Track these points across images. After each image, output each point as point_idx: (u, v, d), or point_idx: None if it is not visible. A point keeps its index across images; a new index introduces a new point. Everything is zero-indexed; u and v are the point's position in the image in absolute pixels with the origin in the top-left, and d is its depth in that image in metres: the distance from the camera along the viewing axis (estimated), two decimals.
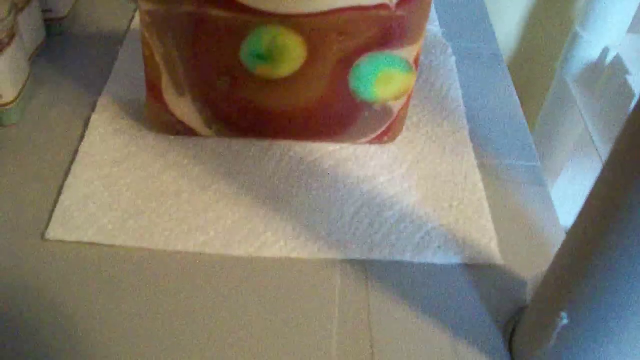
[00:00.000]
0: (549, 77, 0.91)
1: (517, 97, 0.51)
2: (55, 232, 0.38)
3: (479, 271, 0.38)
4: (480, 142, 0.46)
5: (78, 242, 0.38)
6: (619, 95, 0.73)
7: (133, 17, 0.55)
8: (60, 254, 0.37)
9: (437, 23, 0.57)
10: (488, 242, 0.39)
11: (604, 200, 0.28)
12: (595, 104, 0.77)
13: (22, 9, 0.45)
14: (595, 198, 0.29)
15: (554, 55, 0.90)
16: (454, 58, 0.52)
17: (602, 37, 0.79)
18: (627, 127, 0.26)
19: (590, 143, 0.73)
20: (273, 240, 0.38)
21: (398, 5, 0.38)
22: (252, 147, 0.44)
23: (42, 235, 0.38)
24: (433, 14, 0.57)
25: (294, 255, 0.38)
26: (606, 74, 0.76)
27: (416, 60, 0.41)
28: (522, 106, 0.50)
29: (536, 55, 0.95)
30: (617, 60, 0.75)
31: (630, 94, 0.70)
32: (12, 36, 0.41)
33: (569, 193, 0.87)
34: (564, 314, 0.30)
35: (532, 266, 0.38)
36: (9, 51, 0.41)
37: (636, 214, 0.26)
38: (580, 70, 0.81)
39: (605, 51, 0.78)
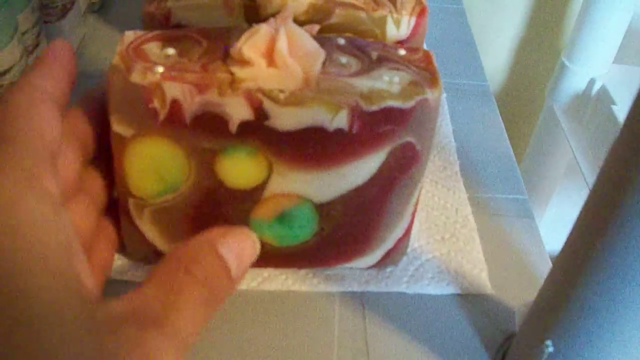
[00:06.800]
0: (539, 107, 0.93)
1: (505, 132, 0.53)
2: None
3: (470, 300, 0.40)
4: (470, 176, 0.48)
5: None
6: (605, 125, 0.75)
7: None
8: None
9: None
10: (479, 272, 0.41)
11: (587, 229, 0.30)
12: (583, 134, 0.80)
13: None
14: (579, 227, 0.31)
15: (543, 86, 0.93)
16: (444, 95, 0.55)
17: (588, 68, 0.81)
18: (611, 155, 0.28)
19: (578, 172, 0.76)
20: (275, 274, 0.40)
21: None
22: None
23: None
24: None
25: (294, 288, 0.40)
26: (593, 104, 0.79)
27: None
28: (512, 136, 0.53)
29: (526, 86, 0.98)
30: (603, 91, 0.78)
31: (616, 123, 0.72)
32: None
33: (557, 221, 0.90)
34: (548, 342, 0.32)
35: (520, 295, 0.40)
36: None
37: (618, 244, 0.28)
38: (567, 100, 0.84)
39: (592, 82, 0.80)
